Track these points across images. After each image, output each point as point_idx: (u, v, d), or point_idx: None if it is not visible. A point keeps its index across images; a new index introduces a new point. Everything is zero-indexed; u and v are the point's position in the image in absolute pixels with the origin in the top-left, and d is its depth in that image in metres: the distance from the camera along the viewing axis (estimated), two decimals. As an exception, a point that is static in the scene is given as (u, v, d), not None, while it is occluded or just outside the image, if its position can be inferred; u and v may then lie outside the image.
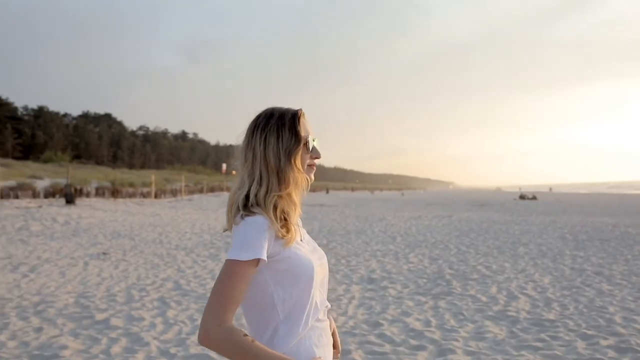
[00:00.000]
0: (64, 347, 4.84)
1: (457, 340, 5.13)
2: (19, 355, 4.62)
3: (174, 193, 41.04)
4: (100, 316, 5.94)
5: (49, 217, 18.30)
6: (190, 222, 19.46)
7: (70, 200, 24.80)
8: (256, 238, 1.42)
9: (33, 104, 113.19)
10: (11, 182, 31.24)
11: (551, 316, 6.05)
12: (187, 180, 51.14)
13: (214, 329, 1.35)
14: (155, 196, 36.73)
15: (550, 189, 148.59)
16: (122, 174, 51.34)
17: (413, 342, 5.07)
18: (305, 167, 1.58)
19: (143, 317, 5.90)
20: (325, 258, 1.66)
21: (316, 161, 1.61)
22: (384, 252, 11.75)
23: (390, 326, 5.63)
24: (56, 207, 22.42)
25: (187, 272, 8.90)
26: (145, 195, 36.35)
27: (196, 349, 4.79)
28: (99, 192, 32.18)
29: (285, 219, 1.51)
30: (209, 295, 6.21)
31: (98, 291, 7.32)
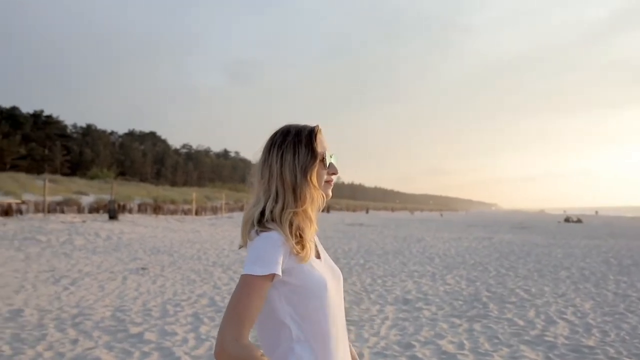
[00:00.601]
0: (97, 359, 4.92)
1: (490, 364, 5.01)
2: (54, 366, 4.73)
3: (214, 210, 41.54)
4: (134, 330, 6.03)
5: (92, 231, 18.73)
6: (229, 239, 19.64)
7: (113, 216, 25.37)
8: (271, 253, 1.42)
9: (82, 122, 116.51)
10: (58, 198, 32.14)
11: (591, 342, 5.86)
12: (227, 198, 51.70)
13: (230, 344, 1.33)
14: (196, 213, 37.24)
15: (597, 212, 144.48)
16: (164, 191, 52.27)
17: (445, 364, 4.98)
18: (323, 183, 1.59)
19: (176, 332, 5.96)
20: (341, 278, 1.65)
21: (334, 177, 1.62)
22: (421, 272, 11.61)
23: (422, 348, 5.54)
24: (99, 222, 22.95)
25: (223, 289, 8.96)
26: (186, 212, 36.89)
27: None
28: (142, 209, 32.82)
29: (301, 236, 1.51)
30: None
31: (134, 305, 7.43)
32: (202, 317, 6.77)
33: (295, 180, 1.52)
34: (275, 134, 1.59)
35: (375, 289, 9.34)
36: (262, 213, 1.50)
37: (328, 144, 1.61)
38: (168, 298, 8.08)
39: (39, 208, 25.79)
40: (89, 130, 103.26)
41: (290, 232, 1.48)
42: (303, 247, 1.49)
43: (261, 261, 1.40)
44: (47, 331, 5.88)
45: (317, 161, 1.55)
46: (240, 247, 1.56)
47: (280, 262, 1.42)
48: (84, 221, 22.84)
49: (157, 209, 33.71)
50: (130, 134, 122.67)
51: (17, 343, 5.41)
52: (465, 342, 5.82)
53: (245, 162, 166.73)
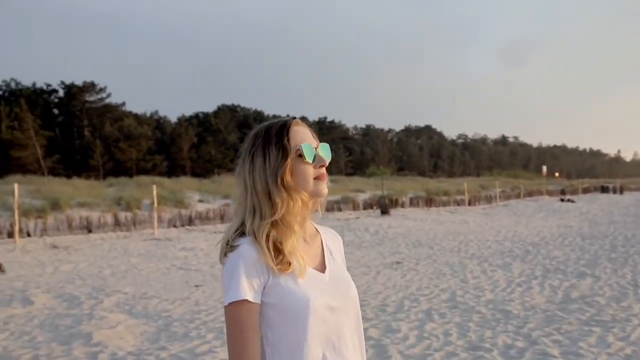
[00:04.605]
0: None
1: None
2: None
3: (489, 199, 40.51)
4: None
5: (362, 227, 19.77)
6: (496, 229, 18.95)
7: (384, 211, 26.43)
8: (242, 274, 1.29)
9: (362, 124, 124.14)
10: (337, 197, 34.70)
11: None
12: (504, 185, 49.98)
13: None
14: (469, 203, 36.78)
15: None
16: (438, 183, 52.71)
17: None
18: (309, 180, 1.39)
19: (400, 329, 5.91)
20: (351, 296, 1.43)
21: (323, 170, 1.41)
22: None
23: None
24: (371, 218, 24.12)
25: (470, 283, 8.65)
26: (459, 203, 36.70)
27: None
28: (413, 202, 33.58)
29: (279, 249, 1.35)
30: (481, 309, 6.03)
31: (374, 300, 7.58)
32: (433, 313, 6.62)
33: (267, 187, 1.36)
34: (247, 138, 1.44)
35: (648, 282, 8.07)
36: (240, 230, 1.38)
37: (314, 134, 1.43)
38: (410, 293, 8.08)
39: (319, 207, 28.26)
40: (368, 130, 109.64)
41: (268, 246, 1.32)
42: (282, 261, 1.33)
43: (235, 285, 1.29)
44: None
45: (290, 158, 1.36)
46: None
47: (253, 282, 1.30)
48: (357, 217, 24.25)
49: (429, 202, 34.15)
50: (407, 130, 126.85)
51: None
52: None
53: (524, 147, 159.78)
